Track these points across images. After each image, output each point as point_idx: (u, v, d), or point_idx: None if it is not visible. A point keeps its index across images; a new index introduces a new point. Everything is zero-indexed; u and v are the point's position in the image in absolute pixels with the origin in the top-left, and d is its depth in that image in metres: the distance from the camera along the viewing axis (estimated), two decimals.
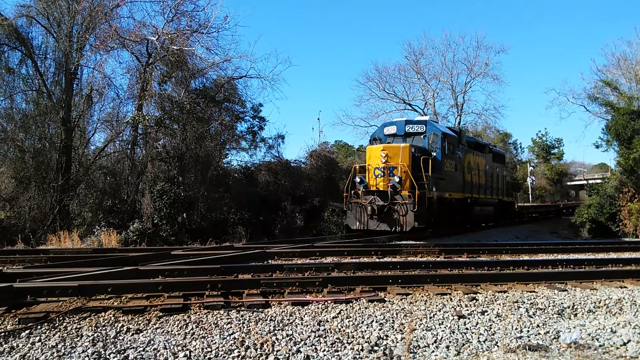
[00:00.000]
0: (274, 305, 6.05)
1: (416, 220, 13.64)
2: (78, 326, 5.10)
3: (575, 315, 6.16)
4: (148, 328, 5.11)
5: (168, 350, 4.53)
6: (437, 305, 6.18)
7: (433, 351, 4.80)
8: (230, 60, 19.77)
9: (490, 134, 42.09)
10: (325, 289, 6.72)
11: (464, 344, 4.98)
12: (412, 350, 4.75)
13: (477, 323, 5.59)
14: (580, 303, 6.50)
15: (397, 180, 14.02)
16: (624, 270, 8.88)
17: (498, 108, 43.78)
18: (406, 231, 13.83)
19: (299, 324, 5.35)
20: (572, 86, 68.00)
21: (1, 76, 17.40)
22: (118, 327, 5.08)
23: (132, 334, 4.93)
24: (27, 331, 4.92)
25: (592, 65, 48.50)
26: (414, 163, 14.40)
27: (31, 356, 4.36)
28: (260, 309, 5.82)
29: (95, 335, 4.85)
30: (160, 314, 5.55)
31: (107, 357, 4.38)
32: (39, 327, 5.04)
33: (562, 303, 6.45)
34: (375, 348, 4.77)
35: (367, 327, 5.31)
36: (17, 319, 5.21)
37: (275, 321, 5.39)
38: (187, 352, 4.48)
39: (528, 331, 5.43)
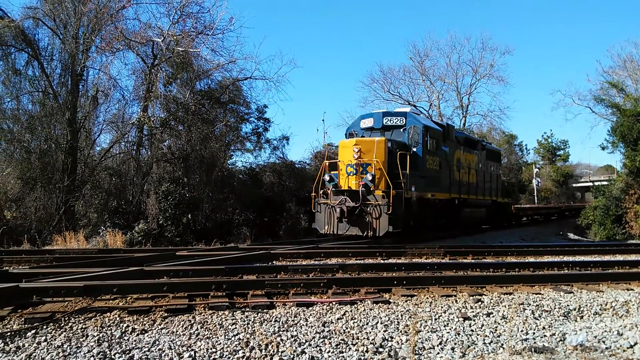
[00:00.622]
0: (278, 306, 6.06)
1: (391, 224, 12.03)
2: (83, 326, 5.13)
3: (582, 317, 6.12)
4: (153, 328, 5.13)
5: (173, 350, 4.54)
6: (442, 307, 6.16)
7: (438, 353, 4.78)
8: (235, 61, 19.79)
9: (495, 135, 42.04)
10: (330, 290, 6.72)
11: (469, 346, 4.95)
12: (417, 352, 4.73)
13: (483, 325, 5.57)
14: (586, 305, 6.45)
15: (370, 178, 12.41)
16: (630, 272, 8.82)
17: (503, 109, 43.74)
18: (379, 236, 12.30)
19: (303, 325, 5.34)
20: (577, 88, 68.37)
21: (8, 77, 17.49)
22: (123, 328, 5.10)
23: (137, 334, 4.94)
24: (33, 331, 4.94)
25: (597, 66, 48.34)
26: (391, 159, 12.86)
27: (37, 356, 4.38)
28: (265, 310, 5.82)
29: (101, 335, 4.87)
30: (165, 314, 5.57)
31: (113, 357, 4.39)
32: (44, 327, 5.07)
33: (568, 305, 6.41)
34: (380, 349, 4.76)
35: (372, 329, 5.29)
36: (23, 319, 5.24)
37: (280, 322, 5.39)
38: (192, 353, 4.49)
39: (534, 333, 5.39)
